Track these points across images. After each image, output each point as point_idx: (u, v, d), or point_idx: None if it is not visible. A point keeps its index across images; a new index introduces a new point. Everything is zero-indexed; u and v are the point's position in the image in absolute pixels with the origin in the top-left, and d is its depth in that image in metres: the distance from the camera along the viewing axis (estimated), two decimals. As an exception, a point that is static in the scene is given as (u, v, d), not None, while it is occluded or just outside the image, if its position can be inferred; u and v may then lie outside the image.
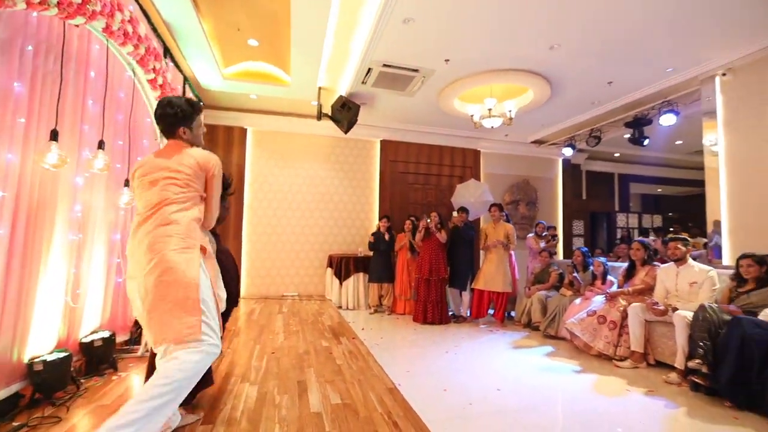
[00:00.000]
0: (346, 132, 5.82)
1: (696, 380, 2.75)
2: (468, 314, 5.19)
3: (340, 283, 6.07)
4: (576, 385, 2.93)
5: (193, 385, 1.58)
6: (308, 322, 4.63)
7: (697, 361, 2.72)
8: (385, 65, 4.86)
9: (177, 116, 1.83)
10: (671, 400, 2.68)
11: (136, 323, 3.44)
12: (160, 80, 3.44)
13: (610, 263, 4.41)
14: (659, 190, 10.74)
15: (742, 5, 3.58)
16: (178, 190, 1.70)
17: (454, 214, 5.42)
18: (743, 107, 4.54)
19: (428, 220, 5.06)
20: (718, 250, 4.69)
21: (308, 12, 3.90)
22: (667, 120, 5.37)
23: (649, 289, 3.61)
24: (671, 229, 8.02)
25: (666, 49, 4.36)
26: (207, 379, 2.13)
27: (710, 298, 3.13)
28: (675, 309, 3.18)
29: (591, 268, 4.36)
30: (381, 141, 7.23)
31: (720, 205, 4.67)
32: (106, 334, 2.91)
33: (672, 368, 3.13)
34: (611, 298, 3.66)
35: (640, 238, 3.80)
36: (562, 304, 4.33)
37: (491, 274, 4.96)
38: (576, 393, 2.77)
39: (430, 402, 2.47)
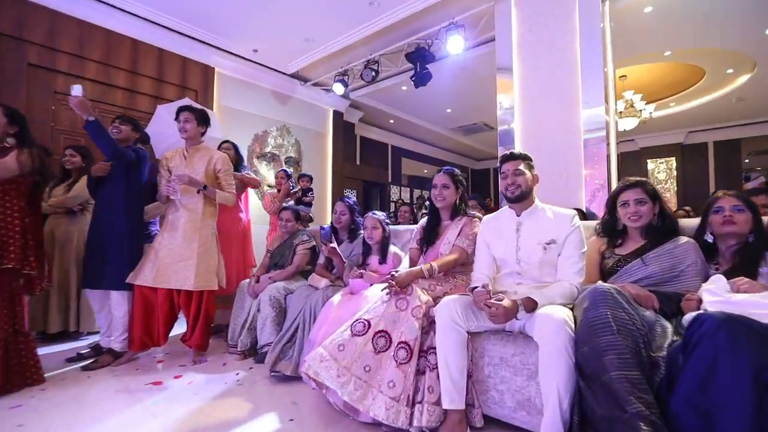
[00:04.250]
0: None
1: None
2: (123, 345, 2.36)
3: None
4: None
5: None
6: None
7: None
8: None
9: None
10: None
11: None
12: None
13: (393, 227, 2.50)
14: (425, 171, 10.74)
15: None
16: None
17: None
18: (539, 36, 3.56)
19: None
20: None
21: None
22: (455, 44, 4.09)
23: (468, 264, 1.79)
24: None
25: None
26: None
27: (581, 273, 1.48)
28: (533, 305, 1.37)
29: (361, 234, 2.33)
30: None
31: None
32: None
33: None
34: (400, 286, 1.63)
35: (447, 167, 1.98)
36: (311, 305, 2.15)
37: (175, 255, 2.31)
38: None
39: None
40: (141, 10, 4.06)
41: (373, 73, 4.82)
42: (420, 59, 4.61)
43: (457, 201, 1.86)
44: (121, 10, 3.97)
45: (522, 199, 1.59)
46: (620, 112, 6.74)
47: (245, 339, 2.44)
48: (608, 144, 3.32)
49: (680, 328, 1.14)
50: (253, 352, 2.44)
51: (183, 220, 2.37)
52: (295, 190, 3.92)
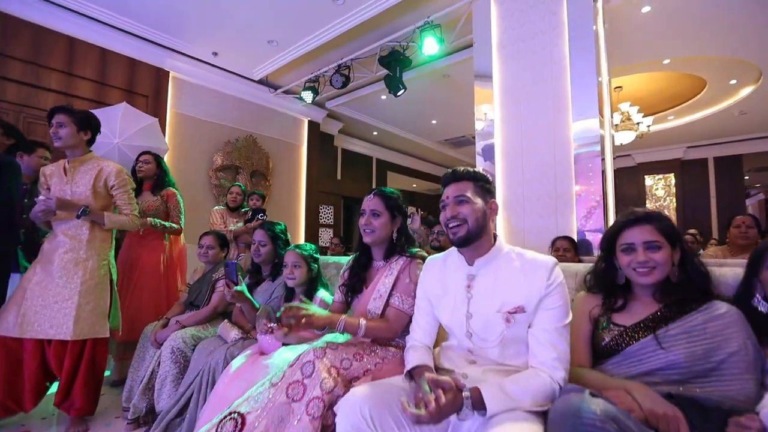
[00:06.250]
0: None
1: None
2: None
3: None
4: None
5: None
6: None
7: None
8: None
9: None
10: None
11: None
12: None
13: (323, 258, 1.95)
14: (414, 185, 10.27)
15: None
16: None
17: None
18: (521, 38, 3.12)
19: None
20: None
21: None
22: (431, 46, 3.65)
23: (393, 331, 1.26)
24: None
25: None
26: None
27: (564, 360, 0.96)
28: (484, 405, 0.85)
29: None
30: None
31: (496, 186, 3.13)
32: None
33: None
34: (313, 324, 1.10)
35: (381, 189, 1.45)
36: (211, 367, 1.62)
37: (49, 295, 1.79)
38: None
39: None
40: (79, 5, 3.61)
41: (344, 79, 4.37)
42: (395, 63, 4.17)
43: (394, 235, 1.35)
44: (54, 3, 3.52)
45: (470, 241, 1.07)
46: (616, 125, 6.32)
47: (140, 402, 1.89)
48: (603, 159, 2.85)
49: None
50: (150, 419, 1.89)
51: (61, 251, 1.84)
52: (245, 209, 3.42)
